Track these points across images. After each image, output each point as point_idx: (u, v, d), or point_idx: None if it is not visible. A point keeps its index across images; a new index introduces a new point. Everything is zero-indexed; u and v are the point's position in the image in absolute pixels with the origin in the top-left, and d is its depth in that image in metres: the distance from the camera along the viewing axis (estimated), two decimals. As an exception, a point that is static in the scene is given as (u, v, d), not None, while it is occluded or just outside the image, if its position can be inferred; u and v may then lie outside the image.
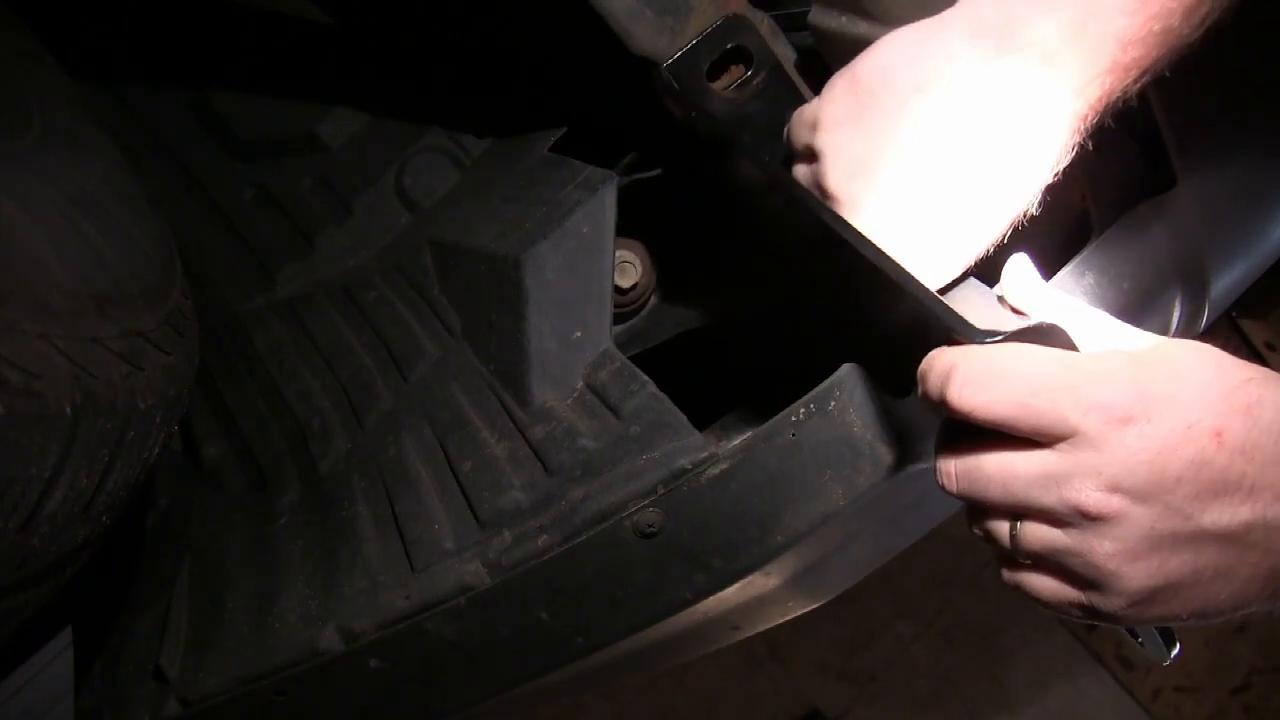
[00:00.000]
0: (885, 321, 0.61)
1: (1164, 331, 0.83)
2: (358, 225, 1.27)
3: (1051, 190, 0.59)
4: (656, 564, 0.76)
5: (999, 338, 0.49)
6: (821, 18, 0.77)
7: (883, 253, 0.57)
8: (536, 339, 0.89)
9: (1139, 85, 0.55)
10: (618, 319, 0.98)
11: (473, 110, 1.25)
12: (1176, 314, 0.83)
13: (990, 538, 0.53)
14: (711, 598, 0.76)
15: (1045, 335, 0.49)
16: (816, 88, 0.67)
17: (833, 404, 0.71)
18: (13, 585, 0.65)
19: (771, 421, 0.73)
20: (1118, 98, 0.55)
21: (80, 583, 0.77)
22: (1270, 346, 2.24)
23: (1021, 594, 0.53)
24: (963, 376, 0.48)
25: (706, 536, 0.74)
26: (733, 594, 0.77)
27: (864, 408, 0.71)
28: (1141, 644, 0.59)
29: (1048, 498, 0.47)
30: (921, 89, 0.58)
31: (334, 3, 1.32)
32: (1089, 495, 0.46)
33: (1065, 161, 0.57)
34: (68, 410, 0.61)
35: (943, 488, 0.53)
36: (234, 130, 1.34)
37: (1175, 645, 0.57)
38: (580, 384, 0.87)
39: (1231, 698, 2.18)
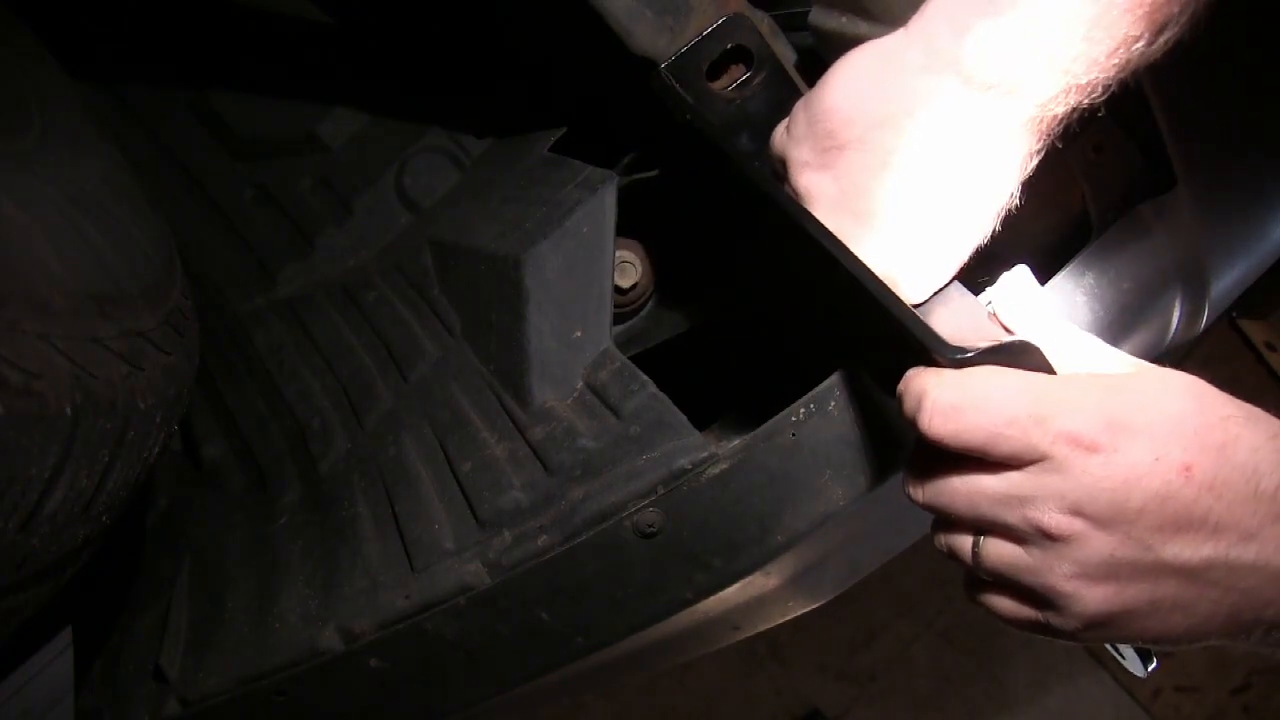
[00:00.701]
0: (874, 326, 0.61)
1: (1164, 332, 0.83)
2: (358, 225, 1.27)
3: (1049, 191, 0.59)
4: (656, 564, 0.76)
5: (969, 354, 0.49)
6: (821, 18, 0.77)
7: (864, 266, 0.58)
8: (536, 339, 0.89)
9: (1100, 99, 0.55)
10: (618, 319, 0.98)
11: (473, 110, 1.25)
12: (1176, 314, 0.83)
13: (953, 551, 0.53)
14: (711, 598, 0.76)
15: (1018, 354, 0.49)
16: (816, 88, 0.67)
17: (833, 404, 0.71)
18: (13, 585, 0.65)
19: (771, 421, 0.73)
20: (1077, 111, 0.55)
21: (80, 583, 0.77)
22: (1270, 346, 2.24)
23: (982, 609, 0.54)
24: (933, 405, 0.48)
25: (706, 536, 0.74)
26: (733, 594, 0.77)
27: (864, 408, 0.71)
28: (1121, 657, 0.59)
29: (1011, 516, 0.48)
30: (880, 124, 0.58)
31: (334, 3, 1.32)
32: (1051, 516, 0.46)
33: (1029, 171, 0.57)
34: (68, 410, 0.60)
35: (909, 497, 0.54)
36: (234, 130, 1.34)
37: (1152, 661, 0.58)
38: (580, 384, 0.87)
39: (1231, 698, 2.18)
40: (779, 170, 0.68)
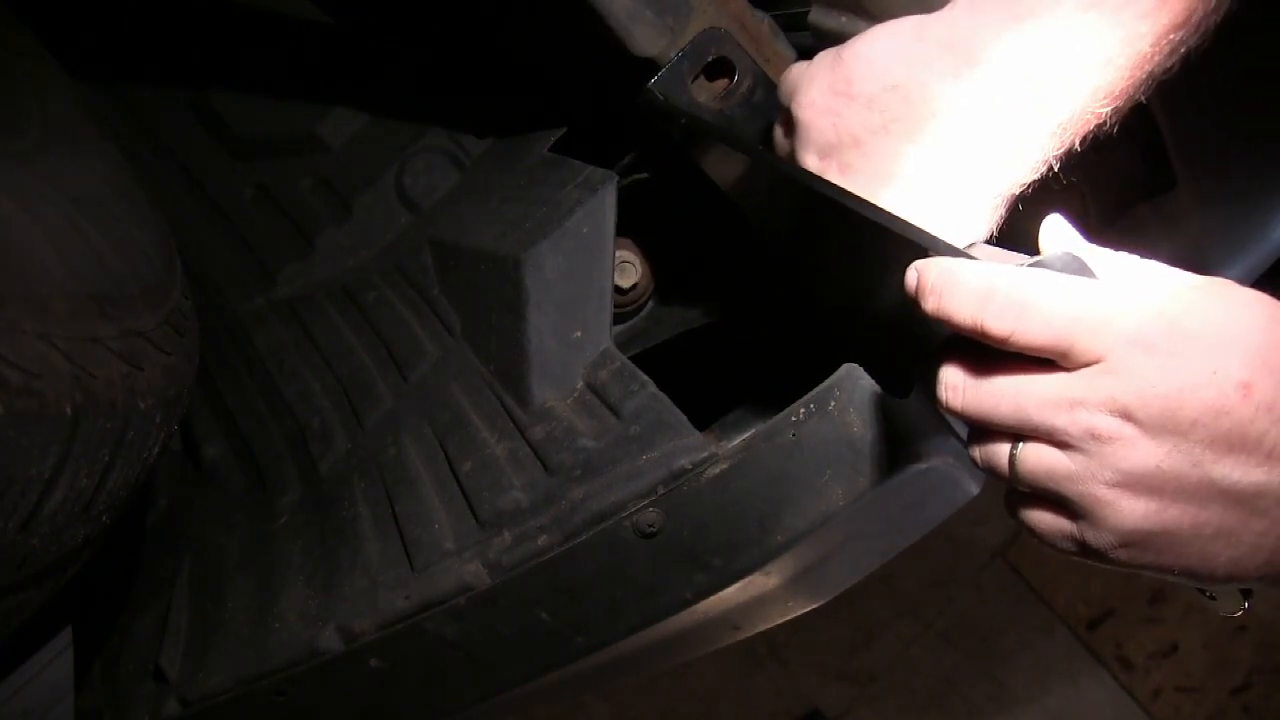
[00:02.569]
0: (887, 290, 0.60)
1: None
2: (358, 225, 1.27)
3: (1049, 190, 0.59)
4: (656, 564, 0.76)
5: (1024, 264, 0.48)
6: (821, 18, 0.77)
7: (881, 209, 0.57)
8: (536, 339, 0.89)
9: (1119, 112, 0.55)
10: (618, 319, 0.98)
11: (473, 110, 1.25)
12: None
13: (989, 461, 0.51)
14: (711, 598, 0.76)
15: (1063, 264, 0.48)
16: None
17: (833, 404, 0.71)
18: (13, 585, 0.65)
19: (771, 421, 0.73)
20: (1096, 124, 0.55)
21: (80, 583, 0.77)
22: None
23: (1020, 524, 0.52)
24: (1003, 299, 0.47)
25: (706, 536, 0.74)
26: (733, 594, 0.77)
27: (864, 408, 0.71)
28: (1211, 596, 0.55)
29: (1059, 418, 0.46)
30: (893, 88, 0.59)
31: (334, 3, 1.32)
32: (1101, 419, 0.45)
33: (1040, 173, 0.57)
34: (68, 410, 0.61)
35: (944, 402, 0.51)
36: (234, 130, 1.34)
37: (1245, 601, 0.54)
38: (580, 384, 0.87)
39: (1231, 698, 2.18)
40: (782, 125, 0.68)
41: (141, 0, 1.35)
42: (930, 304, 0.50)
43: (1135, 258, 0.50)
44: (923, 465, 0.71)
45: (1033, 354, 0.47)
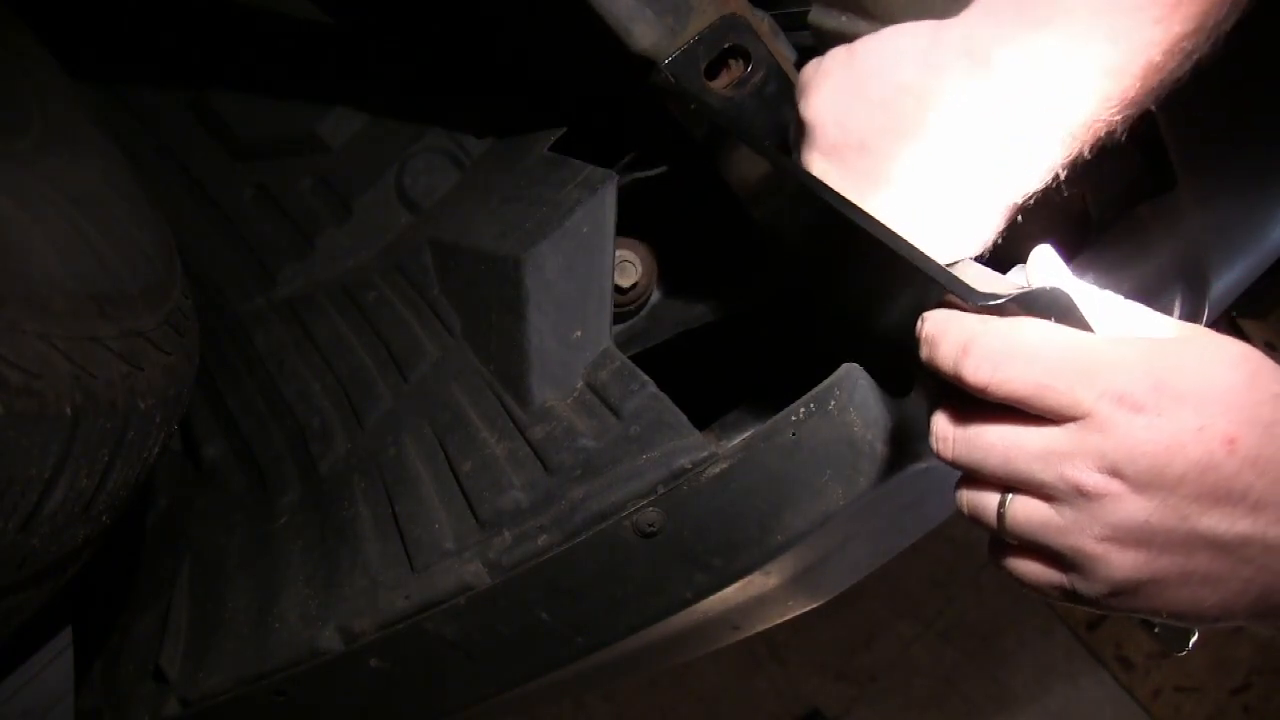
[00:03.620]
0: (887, 304, 0.60)
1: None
2: (358, 225, 1.27)
3: (1049, 191, 0.59)
4: (656, 564, 0.76)
5: (1000, 300, 0.48)
6: (821, 18, 0.77)
7: (878, 221, 0.57)
8: (536, 339, 0.89)
9: (1128, 120, 0.55)
10: (618, 319, 0.98)
11: (473, 110, 1.25)
12: (1176, 314, 0.83)
13: (976, 511, 0.52)
14: (711, 598, 0.76)
15: (1050, 302, 0.48)
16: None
17: (833, 404, 0.71)
18: (13, 585, 0.65)
19: (771, 421, 0.73)
20: (1104, 131, 0.56)
21: (80, 583, 0.77)
22: (1270, 346, 2.24)
23: (1005, 574, 0.53)
24: (980, 351, 0.47)
25: (706, 536, 0.74)
26: (733, 594, 0.77)
27: (864, 408, 0.71)
28: (1157, 632, 0.57)
29: (1047, 473, 0.47)
30: (905, 90, 0.59)
31: (334, 3, 1.32)
32: (1089, 475, 0.45)
33: (1049, 180, 0.57)
34: (68, 410, 0.61)
35: (938, 452, 0.52)
36: (234, 130, 1.34)
37: (1194, 634, 0.56)
38: (580, 384, 0.87)
39: (1231, 698, 2.18)
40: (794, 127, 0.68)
41: (141, 0, 1.35)
42: (923, 353, 0.51)
43: (1118, 297, 0.52)
44: (923, 465, 0.71)
45: (1014, 405, 0.48)
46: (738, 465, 0.73)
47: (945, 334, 0.50)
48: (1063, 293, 0.49)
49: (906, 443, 0.71)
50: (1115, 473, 0.45)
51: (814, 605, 0.91)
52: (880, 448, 0.71)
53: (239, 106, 1.33)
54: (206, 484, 1.14)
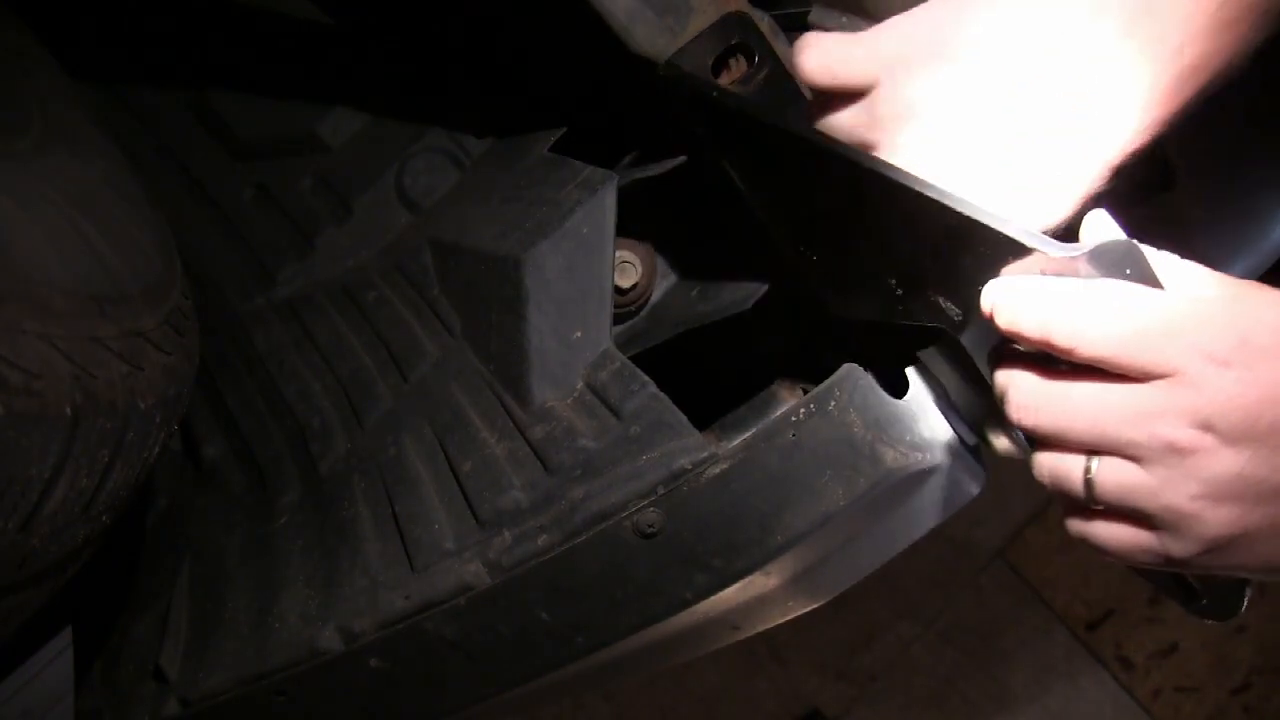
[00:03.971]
0: (934, 277, 0.58)
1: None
2: (358, 225, 1.27)
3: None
4: (656, 564, 0.76)
5: (1080, 252, 0.48)
6: (822, 18, 0.77)
7: (931, 183, 0.55)
8: (536, 339, 0.89)
9: (1146, 148, 0.55)
10: (618, 319, 0.97)
11: (473, 110, 1.25)
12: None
13: (1059, 479, 0.51)
14: (711, 598, 0.76)
15: (1125, 251, 0.48)
16: (817, 88, 0.67)
17: (833, 404, 0.71)
18: (13, 585, 0.65)
19: (771, 421, 0.73)
20: (1129, 157, 0.55)
21: (80, 583, 0.77)
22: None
23: (1087, 544, 0.52)
24: (1068, 312, 0.47)
25: (706, 536, 0.74)
26: (733, 594, 0.77)
27: (864, 408, 0.71)
28: (1205, 603, 0.57)
29: (1137, 433, 0.47)
30: (978, 43, 0.57)
31: (334, 3, 1.32)
32: (1182, 431, 0.46)
33: (1141, 140, 0.55)
34: (68, 410, 0.61)
35: (1019, 422, 0.52)
36: (234, 130, 1.34)
37: (1243, 605, 0.55)
38: (580, 384, 0.87)
39: (1231, 698, 2.18)
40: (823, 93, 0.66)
41: (141, 0, 1.35)
42: (1002, 319, 0.51)
43: (1174, 257, 0.51)
44: (923, 465, 0.71)
45: (1099, 365, 0.48)
46: (738, 465, 0.73)
47: (1027, 297, 0.50)
48: (1135, 245, 0.49)
49: (907, 443, 0.71)
50: (1208, 428, 0.45)
51: (814, 605, 0.91)
52: (880, 448, 0.71)
53: (239, 106, 1.33)
54: (206, 484, 1.14)
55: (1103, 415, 0.48)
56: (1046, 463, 0.52)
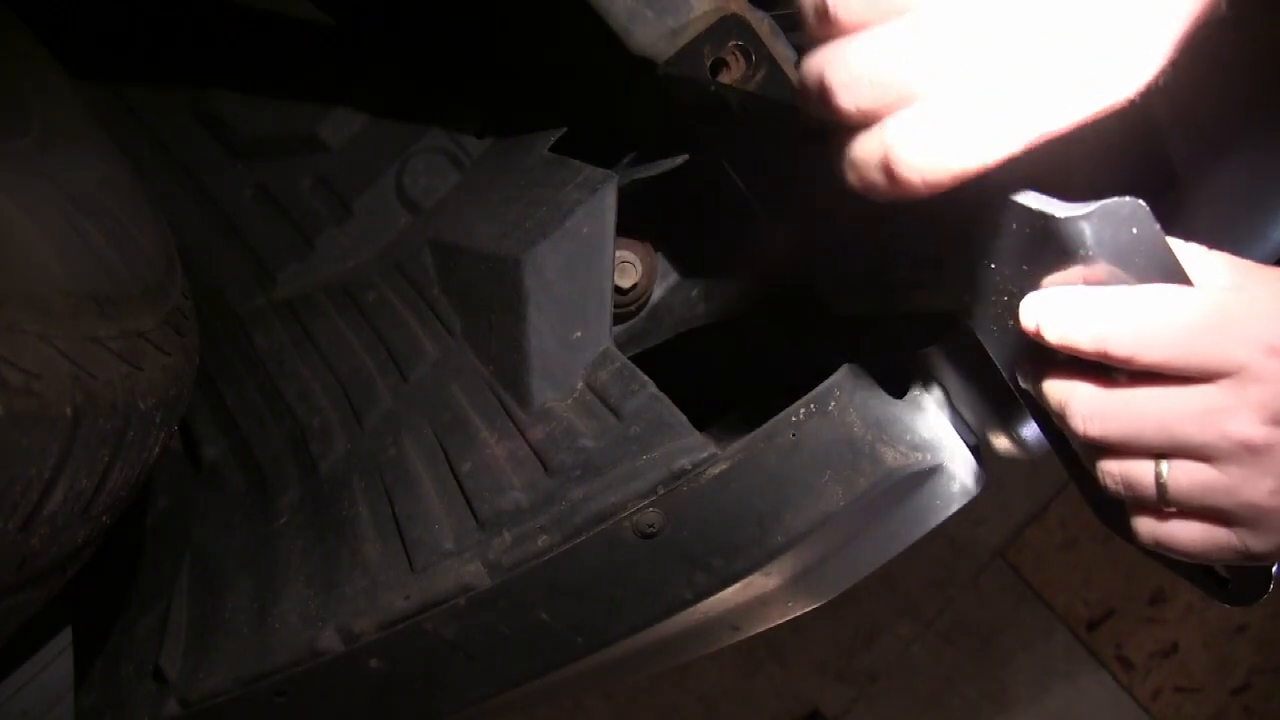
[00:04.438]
0: (945, 242, 0.57)
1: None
2: (358, 225, 1.27)
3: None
4: (656, 564, 0.76)
5: (1083, 213, 0.46)
6: (821, 18, 0.76)
7: None
8: (536, 339, 0.89)
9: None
10: (618, 319, 0.98)
11: (473, 110, 1.25)
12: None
13: (1130, 483, 0.50)
14: (711, 598, 0.76)
15: (1130, 210, 0.47)
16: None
17: (833, 404, 0.71)
18: (13, 586, 0.65)
19: (771, 421, 0.73)
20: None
21: (80, 583, 0.77)
22: (1270, 346, 2.24)
23: (1161, 547, 0.51)
24: (1121, 322, 0.46)
25: (706, 536, 0.74)
26: (733, 594, 0.77)
27: (864, 408, 0.71)
28: (1230, 587, 0.56)
29: (1208, 434, 0.46)
30: None
31: (334, 3, 1.32)
32: (1256, 429, 0.45)
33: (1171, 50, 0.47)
34: (68, 410, 0.60)
35: (1083, 433, 0.50)
36: (234, 130, 1.34)
37: (1270, 584, 0.54)
38: (580, 384, 0.87)
39: (1231, 698, 2.18)
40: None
41: (141, 0, 1.35)
42: (1052, 334, 0.49)
43: (1202, 248, 0.50)
44: (923, 465, 0.71)
45: (1159, 370, 0.47)
46: (738, 466, 0.73)
47: (1074, 311, 0.48)
48: (1140, 204, 0.47)
49: (906, 443, 0.71)
50: (1278, 422, 0.45)
51: (814, 606, 0.91)
52: (880, 448, 0.71)
53: (239, 106, 1.33)
54: (206, 484, 1.14)
55: (1170, 419, 0.47)
56: (1115, 469, 0.51)
